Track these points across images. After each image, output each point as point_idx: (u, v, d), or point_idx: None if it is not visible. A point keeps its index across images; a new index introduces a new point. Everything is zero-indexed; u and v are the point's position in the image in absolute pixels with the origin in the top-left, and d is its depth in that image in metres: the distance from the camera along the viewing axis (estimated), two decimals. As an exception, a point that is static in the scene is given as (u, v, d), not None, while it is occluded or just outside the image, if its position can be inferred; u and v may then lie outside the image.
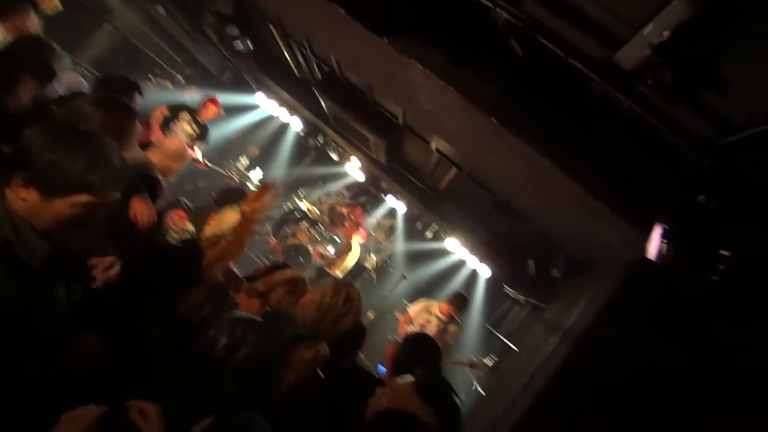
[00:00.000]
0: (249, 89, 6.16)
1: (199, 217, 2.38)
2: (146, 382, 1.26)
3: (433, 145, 3.48)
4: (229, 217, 1.96)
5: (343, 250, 5.67)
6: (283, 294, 1.82)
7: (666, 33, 1.41)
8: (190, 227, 1.98)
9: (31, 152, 1.06)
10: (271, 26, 3.78)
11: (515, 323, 5.42)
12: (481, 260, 5.42)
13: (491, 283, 5.85)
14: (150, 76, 6.06)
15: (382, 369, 2.96)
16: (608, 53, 1.63)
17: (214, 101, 4.86)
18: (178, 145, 2.41)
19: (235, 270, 1.92)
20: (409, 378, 1.51)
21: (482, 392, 3.83)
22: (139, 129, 1.91)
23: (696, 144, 1.70)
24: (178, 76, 6.54)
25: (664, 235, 1.61)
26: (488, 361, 4.05)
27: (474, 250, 5.37)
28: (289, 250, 6.05)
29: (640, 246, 1.83)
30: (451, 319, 4.60)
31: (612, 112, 1.86)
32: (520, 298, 5.06)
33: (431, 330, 4.50)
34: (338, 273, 5.25)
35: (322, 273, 5.22)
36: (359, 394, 1.41)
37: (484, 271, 5.57)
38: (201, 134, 4.65)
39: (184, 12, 5.03)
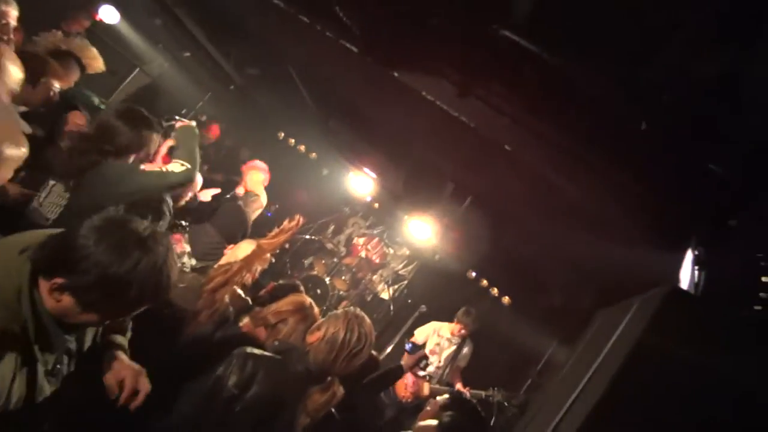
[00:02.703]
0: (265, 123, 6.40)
1: (198, 234, 2.41)
2: (153, 421, 1.22)
3: (448, 174, 3.48)
4: (243, 248, 1.98)
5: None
6: (295, 325, 1.78)
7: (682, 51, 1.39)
8: (187, 248, 1.99)
9: (84, 264, 0.96)
10: (291, 68, 3.95)
11: (544, 357, 5.15)
12: (501, 290, 5.26)
13: (516, 314, 5.64)
14: (176, 116, 6.39)
15: (408, 346, 2.81)
16: (626, 72, 1.61)
17: (214, 125, 5.07)
18: None
19: (241, 293, 1.91)
20: (432, 422, 1.43)
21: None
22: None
23: (725, 165, 1.62)
24: (203, 116, 6.87)
25: (696, 262, 1.52)
26: (502, 398, 3.77)
27: (494, 279, 5.22)
28: (307, 282, 6.03)
29: (673, 274, 1.72)
30: (463, 340, 4.41)
31: (632, 133, 1.82)
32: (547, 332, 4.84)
33: (442, 354, 4.33)
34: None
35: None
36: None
37: (506, 301, 5.39)
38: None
39: (207, 55, 5.34)
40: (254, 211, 3.38)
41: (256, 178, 4.14)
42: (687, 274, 1.57)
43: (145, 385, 1.19)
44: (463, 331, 4.38)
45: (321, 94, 4.17)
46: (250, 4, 2.59)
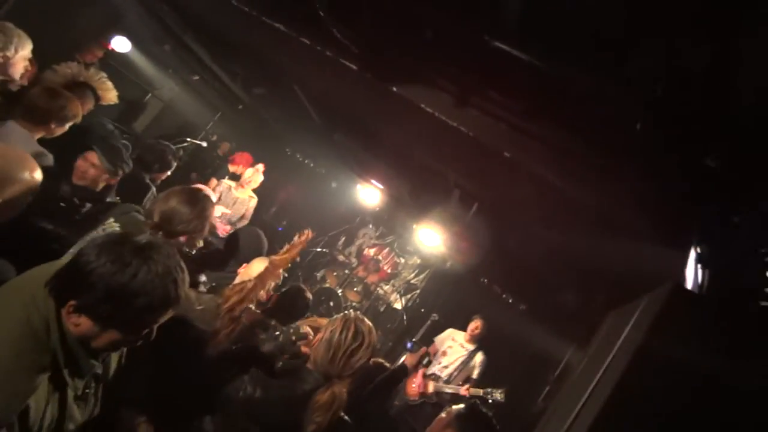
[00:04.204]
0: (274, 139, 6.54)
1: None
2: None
3: (452, 183, 3.51)
4: (256, 266, 2.04)
5: None
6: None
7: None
8: (203, 277, 2.06)
9: (89, 280, 1.00)
10: (296, 87, 4.05)
11: (562, 363, 5.05)
12: (514, 296, 5.22)
13: (530, 319, 5.57)
14: (188, 139, 6.59)
15: (409, 345, 2.82)
16: (616, 69, 1.63)
17: (245, 155, 5.25)
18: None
19: (256, 310, 1.96)
20: None
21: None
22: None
23: (722, 159, 1.62)
24: (213, 136, 7.06)
25: (698, 260, 1.51)
26: (501, 396, 3.77)
27: (506, 285, 5.19)
28: (319, 294, 6.07)
29: (677, 272, 1.71)
30: (476, 347, 4.40)
31: (631, 131, 1.83)
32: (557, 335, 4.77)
33: (450, 357, 4.32)
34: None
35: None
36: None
37: (519, 306, 5.34)
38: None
39: (215, 77, 5.51)
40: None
41: (257, 178, 4.27)
42: (691, 273, 1.56)
43: None
44: (476, 332, 4.38)
45: (326, 110, 4.27)
46: (252, 27, 2.69)
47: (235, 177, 4.86)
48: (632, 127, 1.75)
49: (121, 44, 4.67)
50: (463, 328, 4.55)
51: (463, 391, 4.06)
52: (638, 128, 1.60)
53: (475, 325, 4.43)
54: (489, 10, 1.61)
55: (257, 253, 2.45)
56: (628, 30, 1.51)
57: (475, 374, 4.33)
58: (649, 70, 1.55)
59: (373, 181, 5.50)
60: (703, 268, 1.49)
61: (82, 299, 1.01)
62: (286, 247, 2.15)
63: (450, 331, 4.63)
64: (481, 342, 4.45)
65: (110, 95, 3.41)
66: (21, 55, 2.23)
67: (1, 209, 1.24)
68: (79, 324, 1.03)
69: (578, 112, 1.90)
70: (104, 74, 3.45)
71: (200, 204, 1.84)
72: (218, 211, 3.83)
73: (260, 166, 4.62)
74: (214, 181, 4.85)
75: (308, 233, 2.21)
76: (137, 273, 1.02)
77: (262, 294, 1.94)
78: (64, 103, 2.37)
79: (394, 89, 2.19)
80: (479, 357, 4.39)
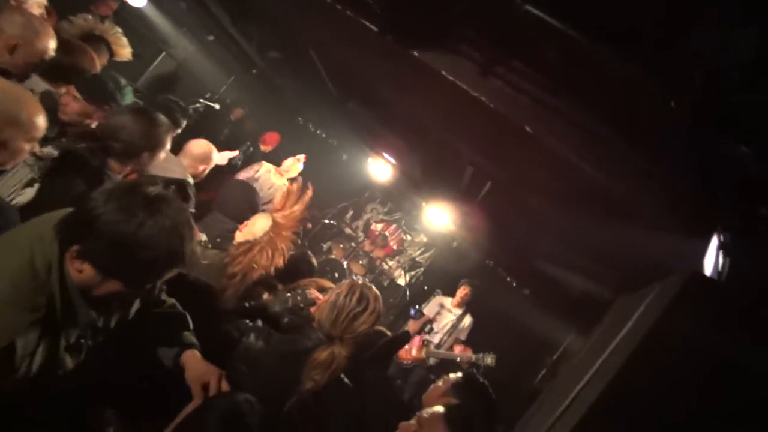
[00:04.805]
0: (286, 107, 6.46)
1: (209, 221, 2.43)
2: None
3: (467, 159, 3.43)
4: (260, 223, 2.00)
5: None
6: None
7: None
8: (203, 236, 2.01)
9: (95, 226, 0.97)
10: (311, 51, 3.94)
11: (561, 347, 5.09)
12: (518, 279, 5.22)
13: (533, 303, 5.58)
14: (201, 100, 6.53)
15: (412, 311, 2.87)
16: (654, 51, 1.54)
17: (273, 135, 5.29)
18: (204, 147, 2.53)
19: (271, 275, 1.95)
20: (439, 409, 1.44)
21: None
22: None
23: (754, 148, 1.55)
24: (227, 99, 6.98)
25: (721, 248, 1.46)
26: (491, 361, 3.87)
27: (512, 268, 5.18)
28: (324, 265, 6.13)
29: (696, 260, 1.67)
30: (464, 312, 4.50)
31: (658, 114, 1.75)
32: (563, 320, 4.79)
33: (440, 323, 4.43)
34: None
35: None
36: (385, 417, 1.36)
37: (522, 290, 5.34)
38: None
39: (231, 39, 5.39)
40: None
41: (296, 168, 4.17)
42: (711, 261, 1.52)
43: (225, 388, 1.19)
44: (465, 297, 4.48)
45: (341, 78, 4.16)
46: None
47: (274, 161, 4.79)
48: (661, 110, 1.67)
49: (136, -2, 4.57)
50: (452, 296, 4.68)
51: (457, 350, 4.19)
52: (673, 106, 1.52)
53: (464, 290, 4.55)
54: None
55: (253, 208, 2.41)
56: (673, 14, 1.41)
57: (463, 336, 4.45)
58: (690, 59, 1.46)
59: (384, 154, 5.42)
60: (724, 256, 1.44)
61: (85, 245, 0.99)
62: (281, 198, 2.07)
63: (438, 298, 4.76)
64: (468, 306, 4.57)
65: (125, 51, 3.35)
66: (35, 1, 2.18)
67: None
68: (82, 270, 1.01)
69: (607, 92, 1.81)
70: (119, 29, 3.38)
71: (151, 122, 1.66)
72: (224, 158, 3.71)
73: (301, 157, 4.51)
74: (257, 165, 4.75)
75: (310, 188, 2.15)
76: (143, 224, 0.99)
77: (278, 259, 1.91)
78: (81, 57, 2.34)
79: (415, 54, 2.11)
80: (467, 320, 4.53)
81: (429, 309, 4.67)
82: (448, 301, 4.65)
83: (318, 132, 7.42)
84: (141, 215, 0.99)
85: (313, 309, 1.79)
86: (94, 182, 1.49)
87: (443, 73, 2.08)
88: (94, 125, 2.00)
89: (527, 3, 1.55)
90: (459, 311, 4.56)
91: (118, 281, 1.04)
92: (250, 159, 5.56)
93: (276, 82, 5.88)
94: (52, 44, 1.78)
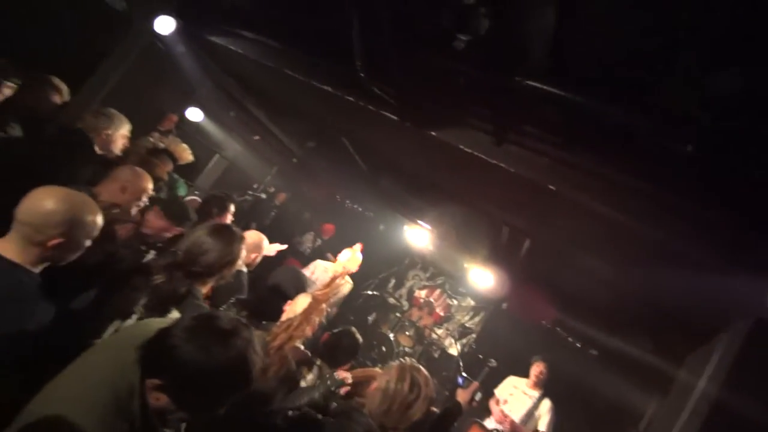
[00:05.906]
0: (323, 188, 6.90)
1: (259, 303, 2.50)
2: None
3: (500, 220, 3.47)
4: (302, 302, 2.10)
5: None
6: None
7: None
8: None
9: (176, 363, 1.02)
10: (343, 139, 4.35)
11: (647, 413, 4.48)
12: (581, 340, 4.82)
13: (603, 365, 5.06)
14: (249, 192, 7.18)
15: (460, 380, 2.60)
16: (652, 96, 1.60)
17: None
18: (255, 238, 2.71)
19: (302, 347, 1.98)
20: None
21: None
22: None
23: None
24: (271, 188, 7.65)
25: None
26: None
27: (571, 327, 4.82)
28: (370, 338, 6.01)
29: (759, 305, 1.54)
30: (543, 394, 3.97)
31: (680, 158, 1.75)
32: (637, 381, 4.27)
33: (513, 406, 3.93)
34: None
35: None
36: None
37: (589, 350, 4.89)
38: None
39: (273, 136, 6.07)
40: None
41: (356, 260, 3.98)
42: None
43: None
44: (542, 376, 3.99)
45: (371, 158, 4.49)
46: (304, 91, 2.99)
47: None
48: (679, 155, 1.68)
49: (195, 115, 5.35)
50: (525, 376, 4.21)
51: None
52: (689, 150, 1.53)
53: (538, 368, 4.05)
54: (517, 53, 1.69)
55: (300, 289, 2.50)
56: (656, 61, 1.50)
57: (542, 425, 3.93)
58: (677, 95, 1.51)
59: (420, 222, 5.55)
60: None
61: (167, 381, 1.04)
62: (326, 281, 2.17)
63: (510, 379, 4.29)
64: (546, 388, 4.06)
65: (186, 155, 3.91)
66: (120, 134, 2.64)
67: (64, 248, 1.34)
68: (159, 399, 1.05)
69: (617, 142, 1.86)
70: (179, 140, 3.98)
71: (229, 238, 1.68)
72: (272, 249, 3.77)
73: (357, 246, 4.37)
74: (314, 263, 4.72)
75: (347, 268, 2.22)
76: (219, 362, 1.04)
77: (308, 330, 1.97)
78: (153, 169, 2.81)
79: (433, 134, 2.30)
80: (546, 404, 3.98)
81: (501, 391, 4.15)
82: (522, 383, 4.09)
83: (355, 206, 7.79)
84: (217, 354, 1.04)
85: (344, 390, 1.74)
86: (185, 307, 1.56)
87: (461, 147, 2.23)
88: (169, 235, 2.33)
89: (525, 79, 1.70)
90: (536, 393, 3.98)
91: (189, 412, 1.10)
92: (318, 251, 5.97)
93: (314, 167, 6.42)
94: (150, 185, 2.26)
